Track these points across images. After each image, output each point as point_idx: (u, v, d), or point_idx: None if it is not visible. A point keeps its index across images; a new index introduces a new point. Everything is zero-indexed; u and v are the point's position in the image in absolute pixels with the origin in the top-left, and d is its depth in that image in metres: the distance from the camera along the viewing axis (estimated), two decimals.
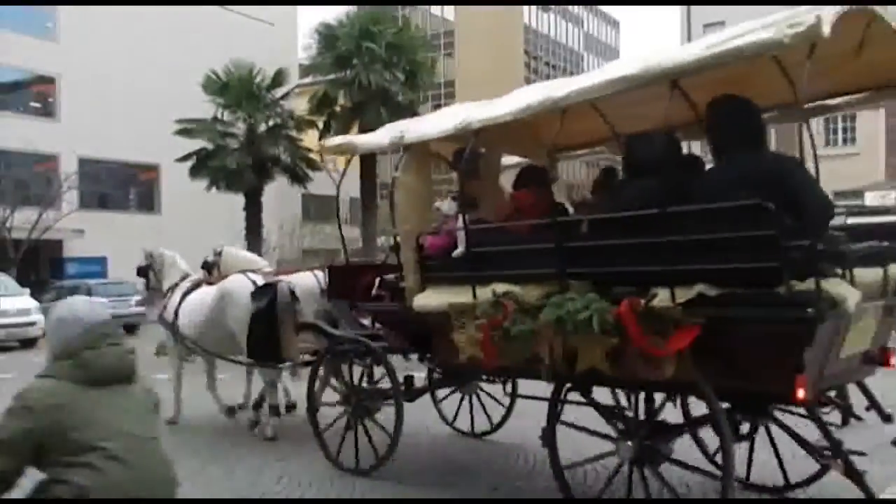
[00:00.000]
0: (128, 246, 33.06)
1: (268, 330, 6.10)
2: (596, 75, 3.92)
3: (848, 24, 3.26)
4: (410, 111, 15.51)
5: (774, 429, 4.23)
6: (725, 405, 3.77)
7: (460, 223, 4.55)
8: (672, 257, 3.42)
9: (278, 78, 15.81)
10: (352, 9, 15.89)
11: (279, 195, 24.11)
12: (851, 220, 5.23)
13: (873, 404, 4.02)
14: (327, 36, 14.90)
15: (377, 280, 5.36)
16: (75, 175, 29.07)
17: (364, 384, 5.50)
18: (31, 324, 17.08)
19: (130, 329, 20.67)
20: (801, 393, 3.27)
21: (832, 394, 4.05)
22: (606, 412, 4.09)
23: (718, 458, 4.13)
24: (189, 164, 15.76)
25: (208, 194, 16.60)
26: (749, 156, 3.53)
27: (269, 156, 15.66)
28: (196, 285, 7.13)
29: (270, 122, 15.87)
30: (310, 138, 19.16)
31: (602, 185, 4.65)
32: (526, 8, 51.79)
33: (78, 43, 31.97)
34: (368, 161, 16.06)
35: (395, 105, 14.64)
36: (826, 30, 3.02)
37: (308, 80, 22.41)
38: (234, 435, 6.61)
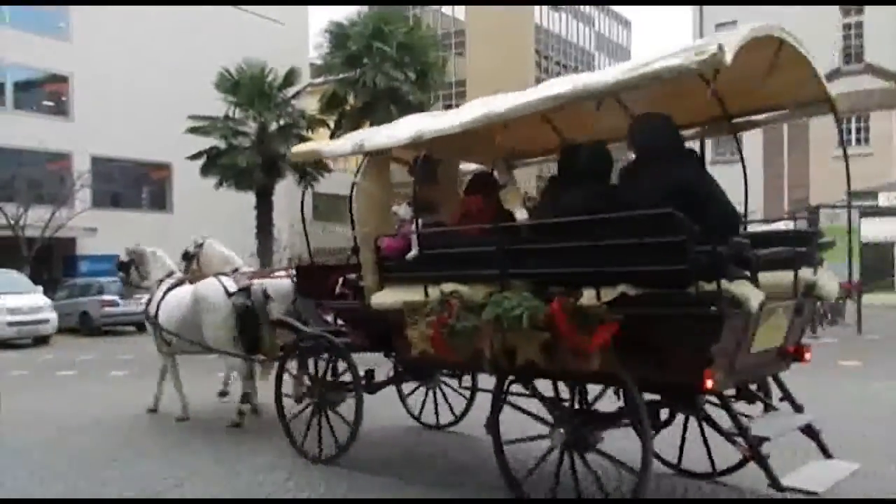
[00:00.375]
0: (142, 244, 33.41)
1: (247, 328, 6.65)
2: (532, 93, 4.27)
3: (758, 49, 3.74)
4: (420, 111, 15.55)
5: (709, 417, 4.51)
6: (656, 397, 4.16)
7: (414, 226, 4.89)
8: (598, 260, 3.75)
9: (289, 77, 15.85)
10: (363, 8, 15.92)
11: (290, 194, 24.21)
12: (767, 228, 5.83)
13: (786, 396, 4.43)
14: (338, 35, 14.94)
15: (340, 279, 5.63)
16: (88, 174, 29.26)
17: (328, 377, 5.79)
18: (44, 321, 17.25)
19: (143, 327, 20.80)
20: (709, 383, 3.64)
21: (754, 387, 4.43)
22: (545, 402, 4.38)
23: (663, 452, 4.73)
24: (200, 162, 15.84)
25: (220, 193, 16.69)
26: (665, 168, 3.86)
27: (279, 154, 15.72)
28: (179, 282, 7.43)
29: (281, 121, 15.92)
30: (320, 137, 19.22)
31: (547, 193, 4.83)
32: (537, 7, 51.71)
33: (90, 42, 32.19)
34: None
35: (406, 105, 14.64)
36: (728, 58, 3.36)
37: (319, 79, 22.48)
38: (239, 434, 6.59)
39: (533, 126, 4.80)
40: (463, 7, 51.49)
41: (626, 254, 3.72)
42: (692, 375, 3.68)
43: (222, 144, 15.39)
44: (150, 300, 7.58)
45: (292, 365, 6.26)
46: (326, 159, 6.10)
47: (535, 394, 4.42)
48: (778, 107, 4.64)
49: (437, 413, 6.45)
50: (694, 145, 4.59)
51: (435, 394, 6.49)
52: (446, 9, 52.66)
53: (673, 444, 4.86)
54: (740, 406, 4.24)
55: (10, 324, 16.84)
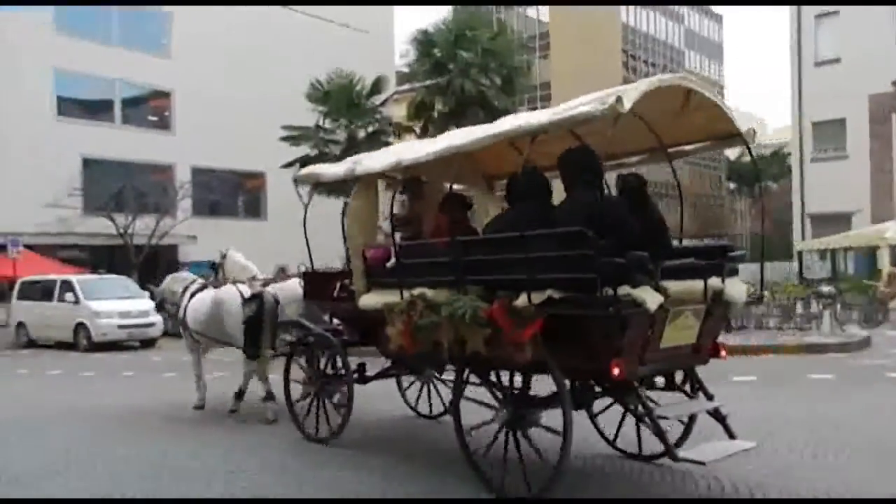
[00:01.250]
0: (239, 250, 34.53)
1: (256, 329, 7.43)
2: (482, 130, 5.28)
3: (669, 93, 4.62)
4: (507, 114, 15.60)
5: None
6: (599, 389, 5.10)
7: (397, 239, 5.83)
8: (531, 269, 4.47)
9: (377, 86, 16.19)
10: (448, 15, 16.06)
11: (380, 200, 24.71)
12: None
13: (700, 386, 5.16)
14: (424, 43, 15.14)
15: (338, 284, 6.47)
16: (189, 184, 30.76)
17: (327, 370, 6.62)
18: (151, 325, 18.20)
19: None
20: (616, 371, 4.36)
21: (680, 377, 5.22)
22: (490, 387, 5.12)
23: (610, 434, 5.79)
24: (293, 170, 16.36)
25: (313, 201, 17.09)
26: (585, 194, 4.68)
27: None
28: (203, 287, 8.45)
29: (370, 129, 16.27)
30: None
31: (499, 213, 5.73)
32: (624, 6, 50.75)
33: (190, 58, 33.77)
34: None
35: (492, 109, 14.69)
36: (626, 107, 4.15)
37: (406, 86, 22.80)
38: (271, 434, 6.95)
39: (505, 153, 5.63)
40: (547, 9, 51.08)
41: (551, 264, 4.48)
42: (603, 365, 4.41)
43: (314, 153, 15.85)
44: (177, 306, 8.59)
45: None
46: (325, 182, 6.83)
47: (484, 381, 5.16)
48: (702, 139, 5.39)
49: (430, 404, 7.22)
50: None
51: (429, 387, 7.26)
52: (530, 11, 52.37)
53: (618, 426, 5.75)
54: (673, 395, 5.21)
55: (121, 327, 17.87)
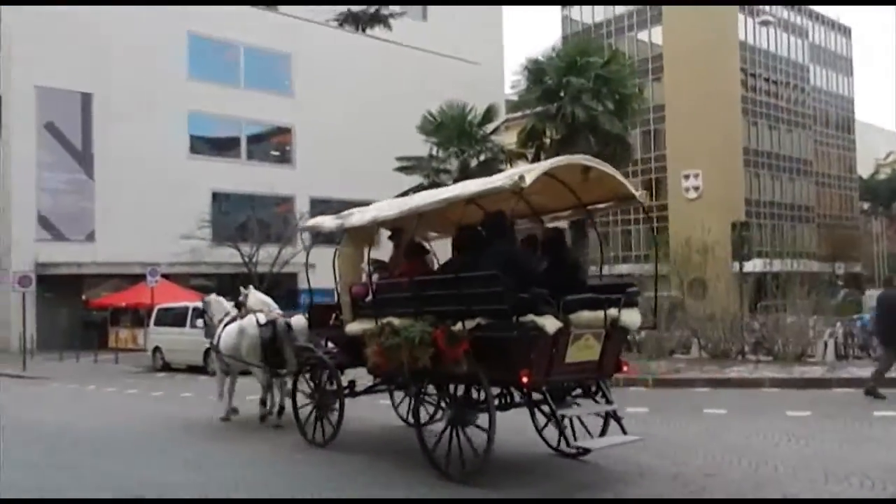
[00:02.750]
0: None
1: (272, 350, 9.06)
2: (432, 194, 6.96)
3: (574, 168, 6.28)
4: (620, 140, 15.32)
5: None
6: (539, 396, 6.26)
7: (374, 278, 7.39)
8: (465, 302, 5.92)
9: (488, 114, 16.37)
10: (558, 44, 16.02)
11: None
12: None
13: (605, 394, 6.49)
14: (535, 71, 15.19)
15: (334, 315, 7.89)
16: (308, 214, 32.11)
17: (325, 387, 7.93)
18: None
19: None
20: (525, 380, 5.78)
21: (594, 387, 6.53)
22: (439, 394, 6.83)
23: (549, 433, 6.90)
24: None
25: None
26: (500, 246, 6.11)
27: None
28: (232, 319, 9.98)
29: (482, 157, 16.45)
30: None
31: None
32: (741, 23, 48.97)
33: (309, 96, 35.49)
34: None
35: (605, 134, 14.50)
36: (527, 183, 5.60)
37: (517, 114, 22.90)
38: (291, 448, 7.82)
39: (464, 208, 6.72)
40: (659, 31, 50.08)
41: (477, 299, 5.89)
42: (515, 375, 5.82)
43: (427, 182, 16.19)
44: (214, 334, 10.15)
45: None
46: (324, 231, 8.55)
47: (437, 390, 6.83)
48: (610, 199, 6.87)
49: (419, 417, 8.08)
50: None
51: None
52: (641, 35, 51.56)
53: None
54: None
55: None
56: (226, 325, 10.06)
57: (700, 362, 14.55)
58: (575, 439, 6.35)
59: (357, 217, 7.66)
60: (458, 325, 5.95)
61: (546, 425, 6.85)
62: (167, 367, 19.62)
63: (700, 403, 10.02)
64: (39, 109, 28.77)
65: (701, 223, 19.95)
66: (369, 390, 8.13)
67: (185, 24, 32.06)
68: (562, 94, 14.51)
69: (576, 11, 54.99)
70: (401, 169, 16.55)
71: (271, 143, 36.46)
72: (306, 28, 36.11)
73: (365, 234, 7.83)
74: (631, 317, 6.34)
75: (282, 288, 30.18)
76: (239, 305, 10.10)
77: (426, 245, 7.99)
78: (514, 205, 6.45)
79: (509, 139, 18.84)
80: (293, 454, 7.55)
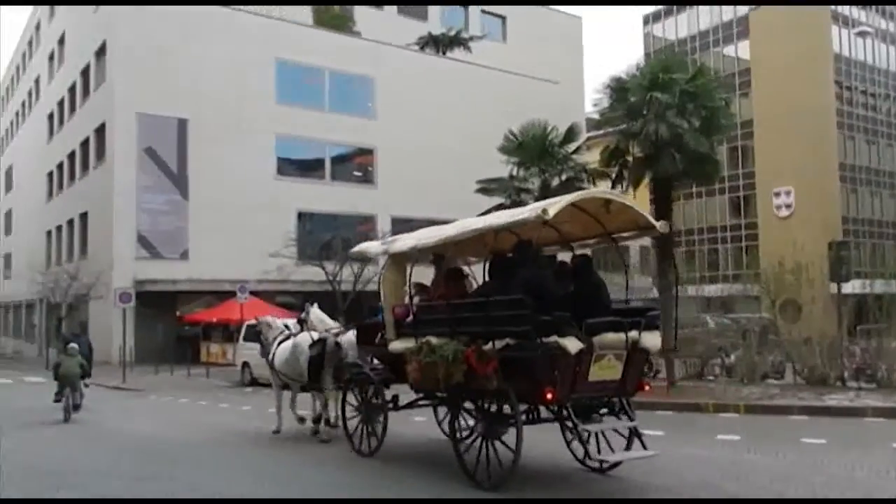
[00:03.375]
0: None
1: (319, 366, 9.67)
2: (467, 224, 7.53)
3: (597, 200, 6.97)
4: (707, 157, 14.90)
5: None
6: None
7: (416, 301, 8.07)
8: (495, 323, 6.51)
9: (570, 134, 16.24)
10: (641, 60, 15.67)
11: None
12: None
13: (626, 411, 6.90)
14: (617, 89, 14.99)
15: (379, 334, 8.40)
16: (389, 233, 32.59)
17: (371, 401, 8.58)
18: None
19: None
20: (549, 396, 6.32)
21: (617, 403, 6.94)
22: (473, 408, 7.20)
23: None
24: None
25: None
26: (527, 272, 6.66)
27: None
28: (286, 338, 10.56)
29: (563, 176, 16.32)
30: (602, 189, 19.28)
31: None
32: (835, 35, 46.98)
33: (391, 118, 36.19)
34: (664, 208, 15.69)
35: (689, 152, 14.15)
36: (550, 214, 6.24)
37: (599, 132, 22.63)
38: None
39: (501, 235, 7.35)
40: (747, 45, 48.63)
41: (505, 321, 6.45)
42: (541, 391, 6.31)
43: (507, 202, 16.16)
44: (269, 352, 10.77)
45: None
46: (370, 257, 9.24)
47: (473, 404, 7.19)
48: (633, 229, 7.34)
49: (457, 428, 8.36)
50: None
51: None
52: (728, 49, 50.23)
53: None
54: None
55: None
56: (280, 343, 10.61)
57: (795, 388, 13.91)
58: (599, 453, 6.97)
59: (399, 244, 8.35)
60: (489, 345, 6.53)
61: (573, 440, 7.32)
62: (255, 382, 20.23)
63: (797, 432, 9.57)
64: (140, 135, 30.42)
65: (793, 242, 19.19)
66: (411, 405, 8.69)
67: (273, 52, 33.33)
68: (645, 111, 14.23)
69: (658, 28, 54.13)
70: (481, 190, 16.57)
71: (354, 164, 37.30)
72: (388, 52, 36.92)
73: (406, 260, 8.44)
74: (651, 339, 6.83)
75: (363, 305, 30.75)
76: (301, 322, 10.56)
77: (465, 269, 8.66)
78: (545, 233, 7.29)
79: (591, 157, 18.65)
80: (339, 465, 8.27)
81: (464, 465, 6.92)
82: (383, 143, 36.10)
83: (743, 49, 49.22)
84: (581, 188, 16.73)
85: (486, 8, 46.64)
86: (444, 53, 41.19)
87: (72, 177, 37.82)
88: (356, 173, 36.99)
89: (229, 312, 25.80)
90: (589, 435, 6.85)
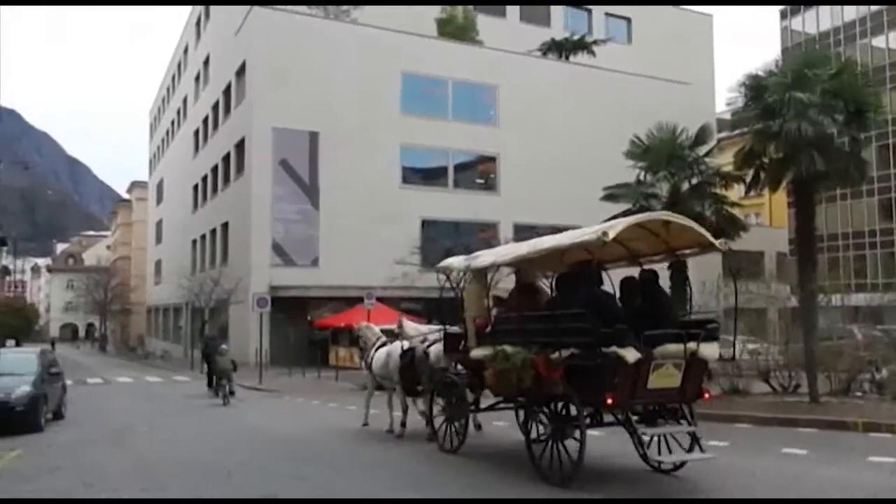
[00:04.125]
0: None
1: (410, 374, 10.60)
2: (539, 242, 8.20)
3: (653, 221, 7.61)
4: (853, 156, 13.88)
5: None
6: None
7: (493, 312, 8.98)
8: (561, 335, 7.21)
9: (701, 136, 15.59)
10: (779, 57, 14.80)
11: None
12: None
13: (685, 416, 7.54)
14: (754, 87, 14.20)
15: (462, 342, 9.18)
16: (512, 239, 32.56)
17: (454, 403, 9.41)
18: None
19: None
20: (609, 401, 6.94)
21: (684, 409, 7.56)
22: (545, 411, 7.74)
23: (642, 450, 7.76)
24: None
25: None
26: (588, 289, 7.49)
27: (693, 213, 15.46)
28: (383, 344, 11.56)
29: (693, 180, 15.68)
30: (734, 193, 18.39)
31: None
32: None
33: (513, 126, 36.18)
34: (805, 212, 14.74)
35: (833, 151, 13.18)
36: (611, 237, 6.87)
37: (733, 133, 21.58)
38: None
39: (576, 252, 8.06)
40: None
41: (570, 332, 7.14)
42: (602, 397, 6.92)
43: (634, 207, 15.73)
44: (368, 356, 11.74)
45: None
46: (455, 270, 9.59)
47: (544, 407, 7.75)
48: (694, 246, 7.83)
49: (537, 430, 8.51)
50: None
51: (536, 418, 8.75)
52: (877, 41, 46.53)
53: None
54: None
55: None
56: (377, 349, 11.59)
57: None
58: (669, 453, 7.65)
59: (481, 260, 9.10)
60: (556, 354, 7.23)
61: (648, 443, 7.77)
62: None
63: None
64: (275, 148, 32.13)
65: None
66: (490, 408, 9.48)
67: (398, 65, 34.23)
68: (785, 110, 13.42)
69: (797, 22, 50.97)
70: (607, 197, 16.22)
71: (476, 172, 37.58)
72: (510, 60, 36.98)
73: (486, 274, 9.22)
74: (710, 350, 7.32)
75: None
76: (391, 334, 11.62)
77: (541, 282, 9.31)
78: (615, 250, 7.91)
79: (723, 160, 17.86)
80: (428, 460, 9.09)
81: (535, 463, 7.64)
82: (506, 150, 36.17)
83: (893, 40, 45.47)
84: (713, 193, 16.10)
85: (610, 10, 45.74)
86: (567, 59, 40.75)
87: (214, 189, 40.48)
88: (478, 181, 37.25)
89: (357, 318, 26.60)
90: (651, 438, 7.56)
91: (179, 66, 53.88)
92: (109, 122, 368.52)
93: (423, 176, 35.94)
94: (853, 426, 11.26)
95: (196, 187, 45.08)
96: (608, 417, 7.77)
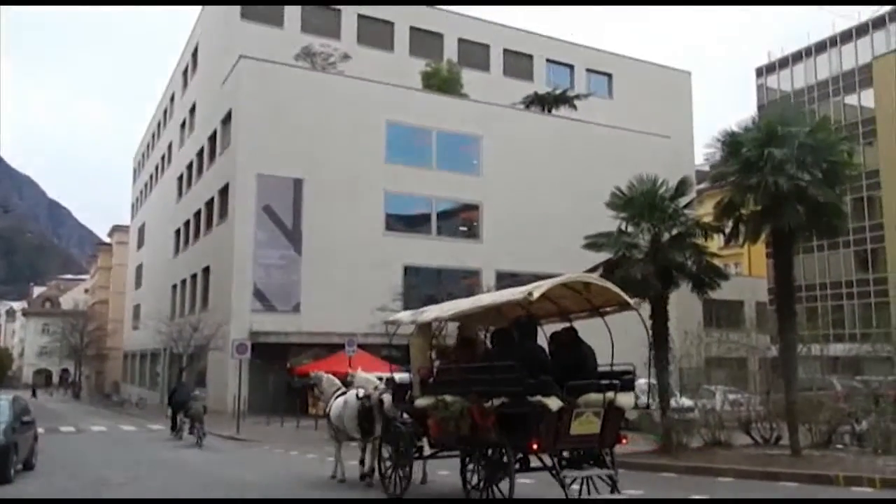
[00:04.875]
0: None
1: (366, 421, 10.95)
2: (476, 300, 9.94)
3: (575, 283, 8.73)
4: (832, 209, 14.16)
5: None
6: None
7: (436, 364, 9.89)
8: (495, 384, 8.06)
9: (681, 187, 15.86)
10: (755, 113, 15.18)
11: (679, 302, 23.69)
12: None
13: (606, 462, 8.47)
14: (730, 143, 14.57)
15: (408, 392, 9.90)
16: (494, 287, 32.61)
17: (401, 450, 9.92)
18: None
19: None
20: (535, 446, 7.80)
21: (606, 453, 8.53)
22: (479, 457, 8.55)
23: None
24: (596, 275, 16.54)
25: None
26: (522, 343, 8.55)
27: (674, 263, 15.61)
28: (343, 393, 11.84)
29: (674, 231, 15.88)
30: (714, 244, 18.62)
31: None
32: None
33: (496, 175, 36.68)
34: (784, 263, 14.95)
35: (814, 204, 13.47)
36: (535, 297, 7.86)
37: (708, 185, 22.00)
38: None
39: (512, 308, 8.99)
40: (871, 94, 46.34)
41: (504, 382, 7.95)
42: (528, 442, 7.76)
43: (616, 257, 15.86)
44: (328, 405, 12.06)
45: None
46: (404, 324, 10.46)
47: (479, 454, 8.59)
48: (614, 304, 8.92)
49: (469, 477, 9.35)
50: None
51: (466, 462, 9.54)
52: (849, 98, 48.01)
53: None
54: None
55: None
56: (336, 398, 11.94)
57: None
58: (589, 493, 8.57)
59: (426, 315, 9.92)
60: (489, 402, 8.01)
61: (570, 485, 8.34)
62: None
63: None
64: (259, 194, 32.20)
65: None
66: (433, 455, 10.12)
67: (384, 115, 34.72)
68: (762, 164, 13.72)
69: (773, 80, 52.52)
70: (590, 245, 16.36)
71: (459, 220, 37.85)
72: (494, 112, 37.66)
73: (430, 329, 10.01)
74: (625, 399, 8.24)
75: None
76: (346, 384, 12.03)
77: (480, 336, 10.09)
78: (548, 307, 8.96)
79: (703, 211, 18.14)
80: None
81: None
82: (489, 199, 36.54)
83: (866, 97, 46.91)
84: (694, 243, 16.26)
85: (592, 66, 46.91)
86: (549, 112, 41.53)
87: (196, 234, 40.36)
88: (462, 228, 37.49)
89: (338, 365, 26.24)
90: (573, 480, 8.30)
91: (165, 113, 54.23)
92: (92, 167, 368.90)
93: (407, 223, 36.11)
94: (835, 480, 11.24)
95: (178, 232, 44.92)
96: (538, 463, 8.33)
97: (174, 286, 43.69)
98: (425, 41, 42.26)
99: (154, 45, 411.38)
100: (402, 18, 42.21)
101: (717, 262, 16.67)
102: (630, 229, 16.28)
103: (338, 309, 30.07)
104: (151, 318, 41.40)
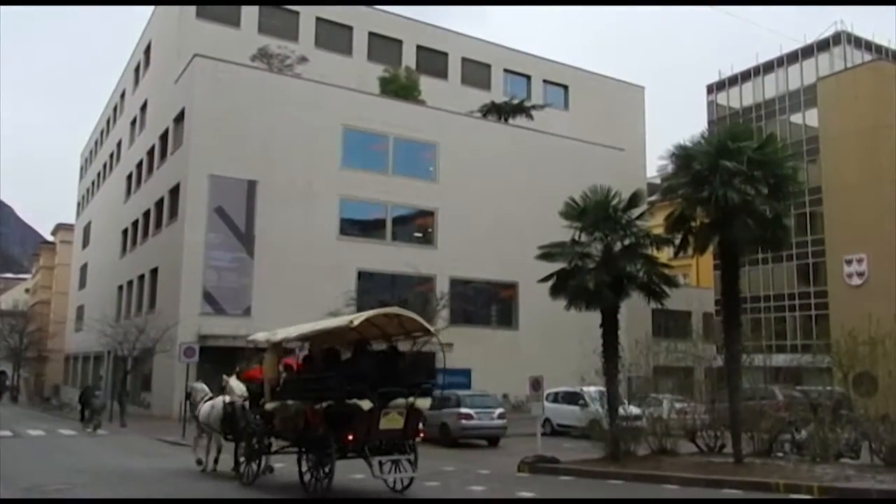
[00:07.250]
0: (490, 359, 35.41)
1: (229, 424, 13.32)
2: (315, 324, 12.29)
3: (388, 314, 11.54)
4: (778, 223, 14.60)
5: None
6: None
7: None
8: (326, 390, 10.50)
9: (634, 199, 16.15)
10: (705, 128, 15.52)
11: (630, 312, 24.09)
12: None
13: (410, 449, 11.04)
14: (682, 157, 14.92)
15: (261, 398, 12.20)
16: (447, 293, 32.70)
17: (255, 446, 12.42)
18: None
19: (493, 441, 21.76)
20: (349, 439, 10.21)
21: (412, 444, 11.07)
22: (311, 451, 11.02)
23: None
24: (549, 283, 16.72)
25: (560, 311, 17.27)
26: (353, 358, 11.57)
27: (626, 273, 15.87)
28: (211, 398, 14.32)
29: (626, 241, 16.16)
30: (664, 255, 18.99)
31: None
32: None
33: (452, 182, 36.76)
34: (730, 274, 15.33)
35: (761, 217, 13.88)
36: (355, 324, 10.64)
37: (659, 197, 22.45)
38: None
39: (348, 330, 11.08)
40: (815, 113, 47.97)
41: (330, 389, 10.38)
42: (345, 437, 10.11)
43: (568, 267, 16.06)
44: (196, 406, 14.57)
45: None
46: (260, 343, 12.91)
47: (311, 445, 10.94)
48: (422, 330, 11.56)
49: (302, 463, 11.42)
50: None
51: (302, 457, 11.52)
52: (794, 118, 49.62)
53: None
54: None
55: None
56: (204, 402, 14.28)
57: (873, 470, 13.09)
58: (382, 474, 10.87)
59: (278, 335, 12.36)
60: (319, 405, 10.37)
61: (380, 469, 10.79)
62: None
63: None
64: (211, 195, 31.62)
65: (867, 312, 18.39)
66: (280, 450, 12.29)
67: (340, 119, 34.51)
68: (712, 178, 14.07)
69: (722, 97, 53.99)
70: (542, 256, 16.52)
71: (415, 226, 37.80)
72: (451, 119, 37.80)
73: (279, 346, 12.39)
74: (423, 402, 10.83)
75: (421, 366, 30.62)
76: (222, 389, 14.09)
77: (318, 353, 12.05)
78: (373, 331, 11.41)
79: (654, 222, 18.46)
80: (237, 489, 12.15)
81: (304, 482, 10.80)
82: (444, 205, 36.60)
83: (810, 117, 48.53)
84: (644, 254, 16.57)
85: (549, 77, 47.51)
86: (506, 121, 41.88)
87: (145, 234, 39.43)
88: (417, 234, 37.45)
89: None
90: (381, 464, 10.76)
91: (115, 109, 52.92)
92: (37, 164, 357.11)
93: (361, 228, 35.90)
94: (775, 487, 11.56)
95: (125, 231, 43.82)
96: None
97: (120, 287, 42.59)
98: (384, 47, 42.23)
99: (104, 42, 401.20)
100: (361, 23, 42.12)
101: (667, 272, 17.00)
102: (583, 239, 16.49)
103: (290, 313, 29.47)
104: (95, 319, 40.22)
